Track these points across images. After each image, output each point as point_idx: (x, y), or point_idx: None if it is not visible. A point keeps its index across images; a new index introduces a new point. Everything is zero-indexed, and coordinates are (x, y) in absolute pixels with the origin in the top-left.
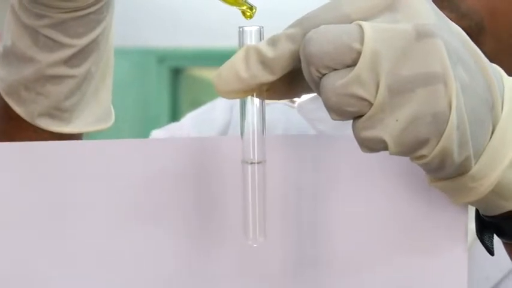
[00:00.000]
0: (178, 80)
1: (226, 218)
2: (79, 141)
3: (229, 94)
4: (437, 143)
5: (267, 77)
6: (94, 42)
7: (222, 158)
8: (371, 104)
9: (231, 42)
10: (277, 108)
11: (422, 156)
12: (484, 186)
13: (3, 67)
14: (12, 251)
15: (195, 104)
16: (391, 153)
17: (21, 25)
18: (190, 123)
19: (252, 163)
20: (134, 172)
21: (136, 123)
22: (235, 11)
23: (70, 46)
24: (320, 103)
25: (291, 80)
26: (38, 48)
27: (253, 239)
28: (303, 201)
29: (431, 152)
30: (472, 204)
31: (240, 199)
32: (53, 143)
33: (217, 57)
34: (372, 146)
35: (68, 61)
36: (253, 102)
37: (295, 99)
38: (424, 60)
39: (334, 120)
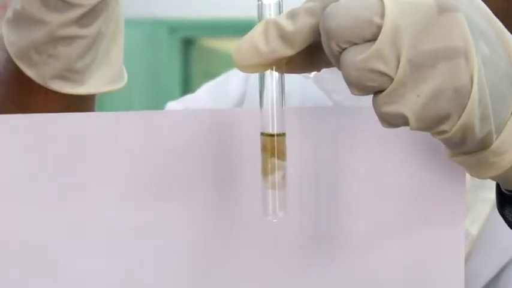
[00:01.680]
0: (190, 51)
1: (245, 191)
2: (92, 113)
3: (248, 68)
4: (459, 118)
5: (286, 51)
6: (103, 2)
7: (241, 130)
8: (392, 79)
9: (244, 12)
10: (293, 78)
11: (444, 132)
12: (506, 160)
13: (14, 31)
14: (16, 224)
15: (207, 75)
16: (412, 129)
17: None
18: (206, 95)
19: (271, 135)
20: (149, 144)
21: (148, 94)
22: None
23: (80, 6)
24: (337, 73)
25: (311, 54)
26: (47, 10)
27: (272, 214)
28: (319, 174)
29: (452, 127)
30: (493, 178)
31: (258, 172)
32: (64, 115)
33: (230, 28)
34: (392, 121)
35: (78, 21)
36: (273, 76)
37: None
38: (446, 34)
39: (355, 95)
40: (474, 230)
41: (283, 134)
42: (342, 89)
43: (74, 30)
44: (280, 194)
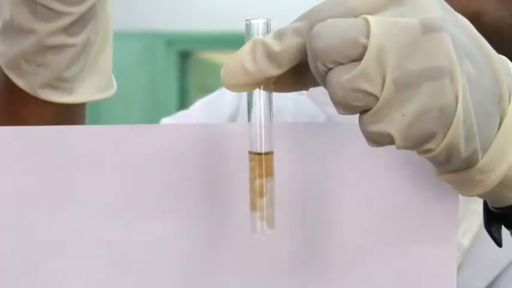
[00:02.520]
0: (187, 64)
1: (234, 206)
2: (85, 126)
3: (236, 87)
4: (444, 137)
5: (273, 71)
6: (91, 10)
7: (230, 145)
8: (377, 99)
9: (240, 26)
10: (285, 95)
11: (429, 150)
12: (492, 178)
13: (3, 42)
14: (11, 241)
15: (203, 88)
16: (397, 148)
17: None
18: (199, 111)
19: (259, 154)
20: (140, 158)
21: (144, 107)
22: None
23: (68, 14)
24: None
25: (298, 73)
26: (36, 19)
27: (260, 233)
28: (308, 190)
29: (438, 146)
30: (480, 196)
31: (248, 187)
32: (57, 128)
33: (226, 41)
34: (378, 140)
35: (67, 30)
36: (261, 95)
37: None
38: (431, 54)
39: (341, 114)
40: (466, 242)
41: (271, 153)
42: None
43: (62, 39)
44: (268, 213)
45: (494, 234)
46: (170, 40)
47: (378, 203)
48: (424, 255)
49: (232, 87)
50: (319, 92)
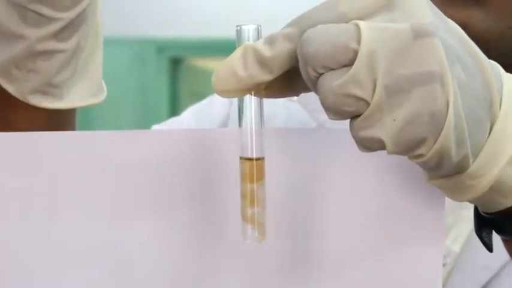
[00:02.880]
0: (178, 70)
1: (226, 210)
2: (77, 132)
3: (227, 93)
4: (435, 142)
5: (264, 77)
6: (81, 15)
7: (222, 150)
8: (368, 104)
9: (231, 32)
10: (277, 101)
11: (420, 155)
12: (483, 184)
13: None
14: (4, 244)
15: (195, 94)
16: (388, 153)
17: (8, 2)
18: (190, 118)
19: (250, 159)
20: (132, 163)
21: (135, 113)
22: (234, 0)
23: (58, 20)
24: None
25: (289, 79)
26: (26, 25)
27: (251, 239)
28: (298, 195)
29: (428, 151)
30: (471, 201)
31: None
32: (48, 134)
33: (217, 48)
34: (369, 145)
35: (57, 35)
36: (252, 101)
37: None
38: (421, 59)
39: (332, 119)
40: (456, 248)
41: (262, 158)
42: None
43: (52, 45)
44: (260, 221)
45: (485, 239)
46: (161, 47)
47: (367, 207)
48: (411, 258)
49: (223, 93)
50: (311, 99)
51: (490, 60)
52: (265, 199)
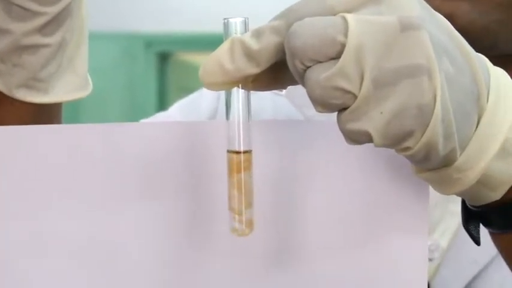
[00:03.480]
0: (166, 65)
1: (214, 202)
2: (64, 125)
3: (214, 86)
4: (422, 136)
5: (251, 69)
6: (66, 10)
7: (210, 143)
8: (355, 97)
9: (219, 27)
10: (264, 95)
11: (407, 148)
12: (470, 177)
13: None
14: None
15: (183, 89)
16: (376, 146)
17: None
18: (178, 112)
19: (237, 152)
20: (120, 156)
21: (123, 108)
22: None
23: (43, 14)
24: None
25: (276, 72)
26: (11, 19)
27: (239, 231)
28: (284, 187)
29: (416, 144)
30: (458, 194)
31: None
32: (33, 127)
33: (205, 42)
34: (356, 138)
35: (42, 29)
36: (239, 93)
37: None
38: (409, 52)
39: (319, 112)
40: (444, 243)
41: (250, 151)
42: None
43: (37, 39)
44: (247, 214)
45: (473, 232)
46: (149, 41)
47: (352, 199)
48: (397, 249)
49: (211, 85)
50: (297, 93)
51: (478, 53)
52: (253, 191)
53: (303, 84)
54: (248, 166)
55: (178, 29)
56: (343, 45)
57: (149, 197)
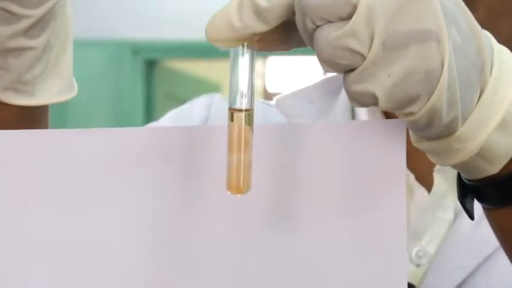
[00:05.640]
0: (153, 72)
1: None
2: (53, 129)
3: (219, 42)
4: (427, 101)
5: (260, 27)
6: (50, 12)
7: (206, 147)
8: (364, 58)
9: None
10: (255, 104)
11: (412, 113)
12: (470, 148)
13: None
14: None
15: (170, 96)
16: (381, 109)
17: None
18: (169, 122)
19: (239, 110)
20: (111, 160)
21: (110, 116)
22: (210, 3)
23: (27, 17)
24: (299, 99)
25: (284, 32)
26: None
27: (236, 189)
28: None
29: (420, 109)
30: (456, 167)
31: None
32: (27, 132)
33: (192, 50)
34: (362, 100)
35: (27, 32)
36: (244, 52)
37: (272, 98)
38: (420, 17)
39: (326, 72)
40: (431, 249)
41: (252, 110)
42: (304, 114)
43: (22, 42)
44: (245, 171)
45: (468, 208)
46: (136, 49)
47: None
48: (375, 216)
49: (216, 42)
50: (289, 103)
51: (483, 29)
52: (252, 151)
53: (311, 45)
54: (250, 125)
55: (166, 36)
56: (355, 7)
57: (141, 206)
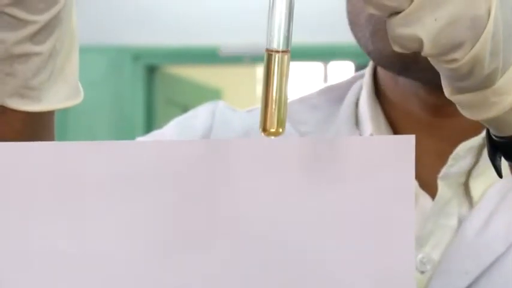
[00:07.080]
0: (154, 78)
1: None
2: (57, 142)
3: None
4: (472, 48)
5: None
6: (56, 18)
7: (211, 161)
8: (411, 1)
9: (206, 40)
10: (258, 112)
11: (455, 60)
12: (506, 102)
13: None
14: None
15: (171, 102)
16: (424, 54)
17: None
18: (172, 130)
19: (276, 52)
20: (112, 174)
21: (111, 121)
22: (211, 8)
23: (33, 22)
24: (303, 105)
25: None
26: (1, 28)
27: (270, 130)
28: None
29: (464, 56)
30: (489, 121)
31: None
32: (23, 144)
33: (193, 56)
34: (406, 44)
35: (33, 38)
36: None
37: None
38: None
39: (370, 13)
40: (436, 256)
41: (288, 51)
42: (308, 120)
43: (28, 48)
44: (280, 112)
45: (497, 164)
46: (137, 54)
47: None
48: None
49: None
50: (294, 109)
51: None
52: (287, 95)
53: None
54: (285, 67)
55: (166, 42)
56: None
57: (141, 219)
